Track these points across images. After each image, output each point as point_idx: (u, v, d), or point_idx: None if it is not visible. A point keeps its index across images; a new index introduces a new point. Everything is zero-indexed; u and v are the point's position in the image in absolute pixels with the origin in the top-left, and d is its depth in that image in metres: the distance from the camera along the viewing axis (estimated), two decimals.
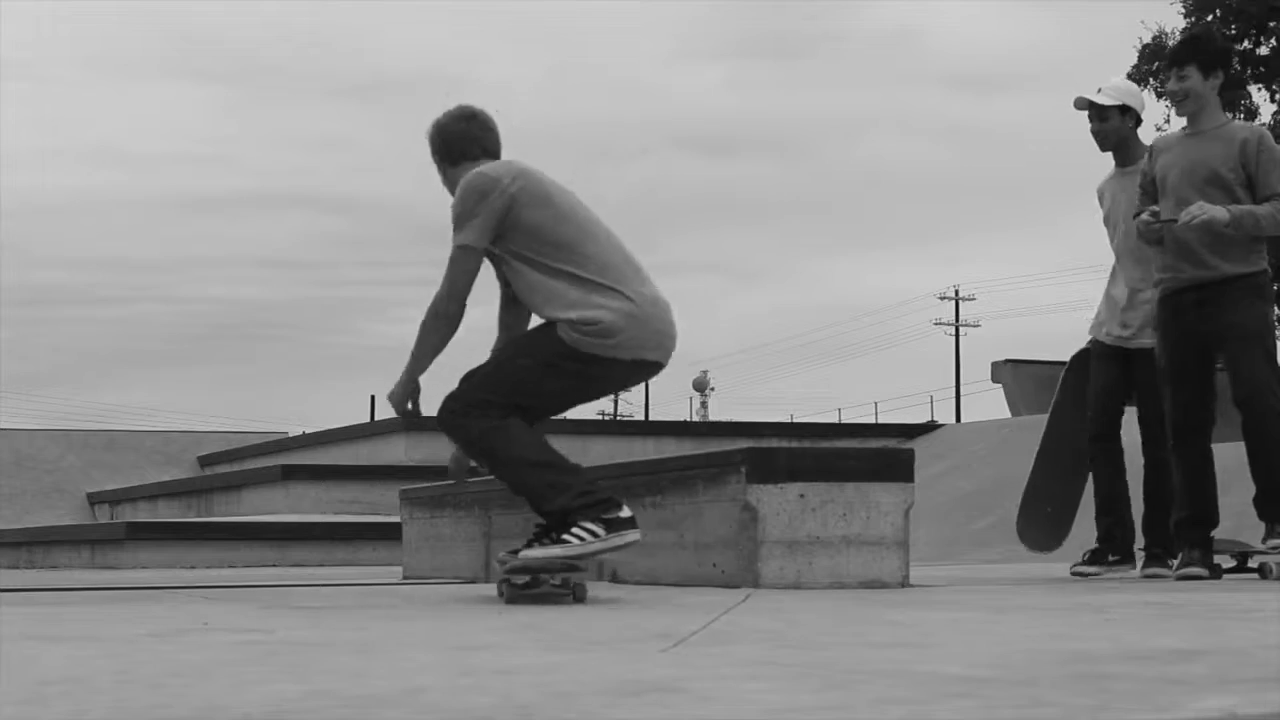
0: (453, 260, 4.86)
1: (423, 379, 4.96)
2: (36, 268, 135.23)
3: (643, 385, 73.65)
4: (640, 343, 4.84)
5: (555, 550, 4.70)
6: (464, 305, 4.91)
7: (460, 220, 4.86)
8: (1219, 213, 5.95)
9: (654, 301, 4.90)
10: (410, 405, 4.94)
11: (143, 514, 16.66)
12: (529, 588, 4.77)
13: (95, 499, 18.74)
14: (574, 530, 4.69)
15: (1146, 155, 6.37)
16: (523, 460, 4.79)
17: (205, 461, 19.48)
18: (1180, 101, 6.30)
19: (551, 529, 4.75)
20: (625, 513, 4.75)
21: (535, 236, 4.86)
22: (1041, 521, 7.11)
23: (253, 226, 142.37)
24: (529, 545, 4.78)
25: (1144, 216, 6.12)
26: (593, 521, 4.70)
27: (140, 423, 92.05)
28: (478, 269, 4.91)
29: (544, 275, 4.86)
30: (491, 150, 5.08)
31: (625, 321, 4.80)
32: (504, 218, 4.84)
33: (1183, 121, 6.39)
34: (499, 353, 5.07)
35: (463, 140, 5.08)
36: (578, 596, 4.76)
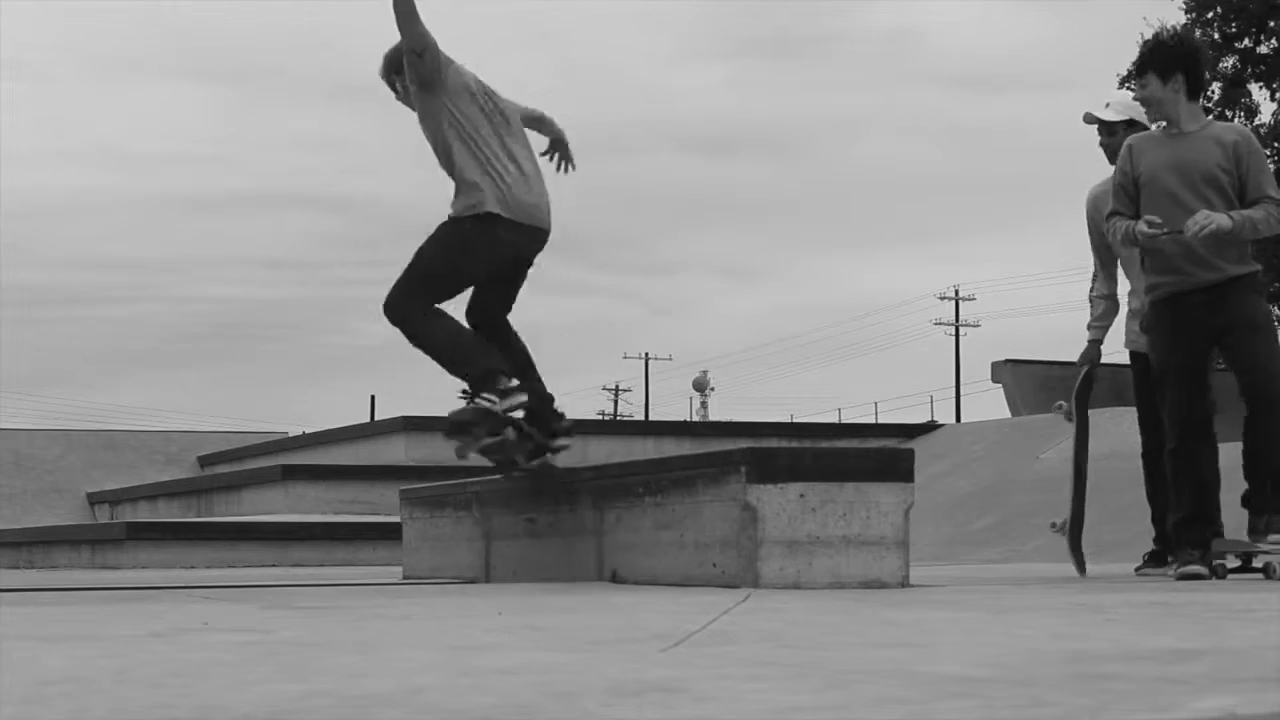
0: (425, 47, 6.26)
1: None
2: (36, 268, 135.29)
3: (643, 385, 74.25)
4: (477, 204, 6.25)
5: (469, 408, 6.22)
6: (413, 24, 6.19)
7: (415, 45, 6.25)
8: (1223, 220, 6.00)
9: (498, 185, 6.28)
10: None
11: (143, 514, 16.66)
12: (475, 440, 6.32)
13: (95, 499, 18.74)
14: (482, 396, 6.21)
15: (1126, 154, 6.36)
16: (432, 342, 6.30)
17: (205, 461, 19.48)
18: (1146, 110, 6.44)
19: (471, 386, 6.27)
20: (513, 382, 6.28)
21: (447, 104, 6.31)
22: (1078, 545, 7.15)
23: (253, 226, 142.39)
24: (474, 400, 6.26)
25: (1141, 227, 6.13)
26: (491, 393, 6.21)
27: (140, 423, 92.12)
28: (425, 31, 6.20)
29: (462, 148, 6.31)
30: None
31: (475, 186, 6.24)
32: (442, 66, 6.27)
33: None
34: (417, 253, 6.36)
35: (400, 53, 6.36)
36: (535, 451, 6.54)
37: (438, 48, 6.29)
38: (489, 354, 6.29)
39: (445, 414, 6.35)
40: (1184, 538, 6.22)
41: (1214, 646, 2.88)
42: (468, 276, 6.40)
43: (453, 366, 6.30)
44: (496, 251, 6.31)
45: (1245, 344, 6.13)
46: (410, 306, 6.28)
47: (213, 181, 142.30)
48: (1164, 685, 2.25)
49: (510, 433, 6.31)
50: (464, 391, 6.28)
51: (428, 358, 6.33)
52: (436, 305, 6.32)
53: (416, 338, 6.31)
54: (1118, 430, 14.01)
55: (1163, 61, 6.31)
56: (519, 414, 6.30)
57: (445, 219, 6.33)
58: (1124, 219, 6.28)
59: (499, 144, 6.32)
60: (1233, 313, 6.14)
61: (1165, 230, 6.08)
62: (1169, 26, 32.80)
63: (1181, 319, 6.19)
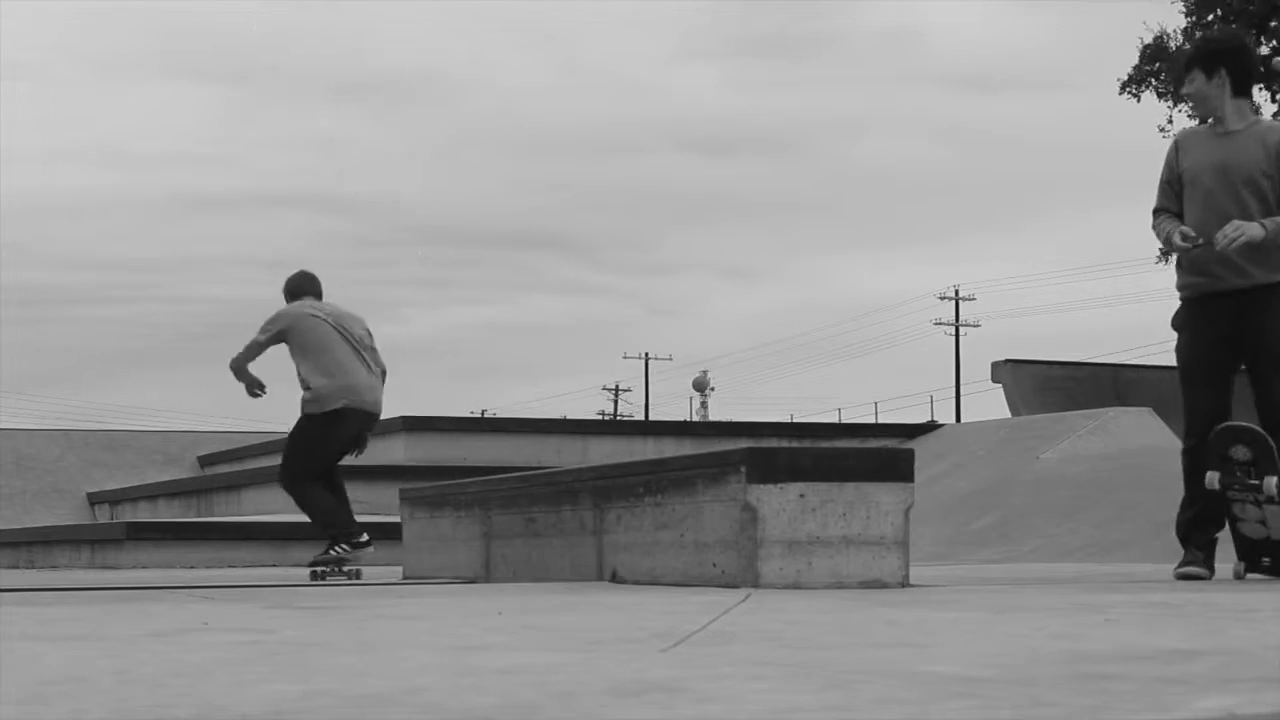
0: (253, 342, 9.06)
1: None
2: (36, 268, 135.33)
3: (643, 385, 74.54)
4: (332, 402, 8.83)
5: (329, 555, 8.67)
6: (245, 359, 9.11)
7: (263, 327, 9.09)
8: (1255, 230, 5.97)
9: (360, 385, 8.93)
10: (247, 378, 9.16)
11: (143, 514, 16.67)
12: (325, 577, 8.55)
13: (95, 499, 18.74)
14: (338, 547, 8.68)
15: (1173, 149, 6.37)
16: (310, 507, 8.94)
17: (205, 461, 19.47)
18: (1193, 106, 6.45)
19: (330, 545, 8.72)
20: (365, 538, 8.74)
21: (302, 345, 8.97)
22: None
23: (253, 226, 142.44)
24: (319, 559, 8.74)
25: (1176, 239, 6.12)
26: (347, 544, 8.68)
27: (140, 423, 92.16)
28: (262, 350, 9.07)
29: (297, 365, 9.00)
30: (314, 292, 9.26)
31: (336, 392, 8.83)
32: (279, 335, 9.03)
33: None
34: (289, 441, 9.19)
35: (292, 289, 9.31)
36: (357, 576, 8.61)
37: (272, 335, 9.02)
38: (348, 521, 8.85)
39: (310, 562, 8.82)
40: (1191, 538, 6.23)
41: (1214, 646, 2.88)
42: (326, 457, 8.98)
43: (324, 527, 8.84)
44: (343, 435, 8.94)
45: (1270, 370, 6.13)
46: (296, 486, 8.91)
47: (213, 181, 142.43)
48: (1164, 685, 2.25)
49: (353, 573, 8.72)
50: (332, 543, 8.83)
51: (308, 512, 9.07)
52: (312, 480, 8.89)
53: (303, 505, 8.99)
54: (1119, 429, 14.01)
55: (1207, 58, 6.30)
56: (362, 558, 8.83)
57: (301, 417, 8.96)
58: (1168, 216, 6.29)
59: (337, 351, 8.90)
60: (1259, 327, 6.11)
61: (1198, 243, 6.07)
62: (1167, 30, 32.85)
63: (1207, 321, 6.19)
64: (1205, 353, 6.21)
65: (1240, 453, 5.99)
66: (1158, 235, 6.34)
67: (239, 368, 9.09)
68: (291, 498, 9.12)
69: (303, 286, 9.29)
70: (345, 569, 8.73)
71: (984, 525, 11.94)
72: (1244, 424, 6.04)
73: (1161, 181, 6.37)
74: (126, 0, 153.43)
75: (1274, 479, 5.91)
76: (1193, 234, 6.09)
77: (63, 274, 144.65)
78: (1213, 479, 6.04)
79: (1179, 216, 6.27)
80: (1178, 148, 6.35)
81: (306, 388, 8.93)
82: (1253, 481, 5.97)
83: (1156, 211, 6.36)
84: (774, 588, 5.26)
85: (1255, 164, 6.11)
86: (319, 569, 8.66)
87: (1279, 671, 2.43)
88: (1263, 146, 6.14)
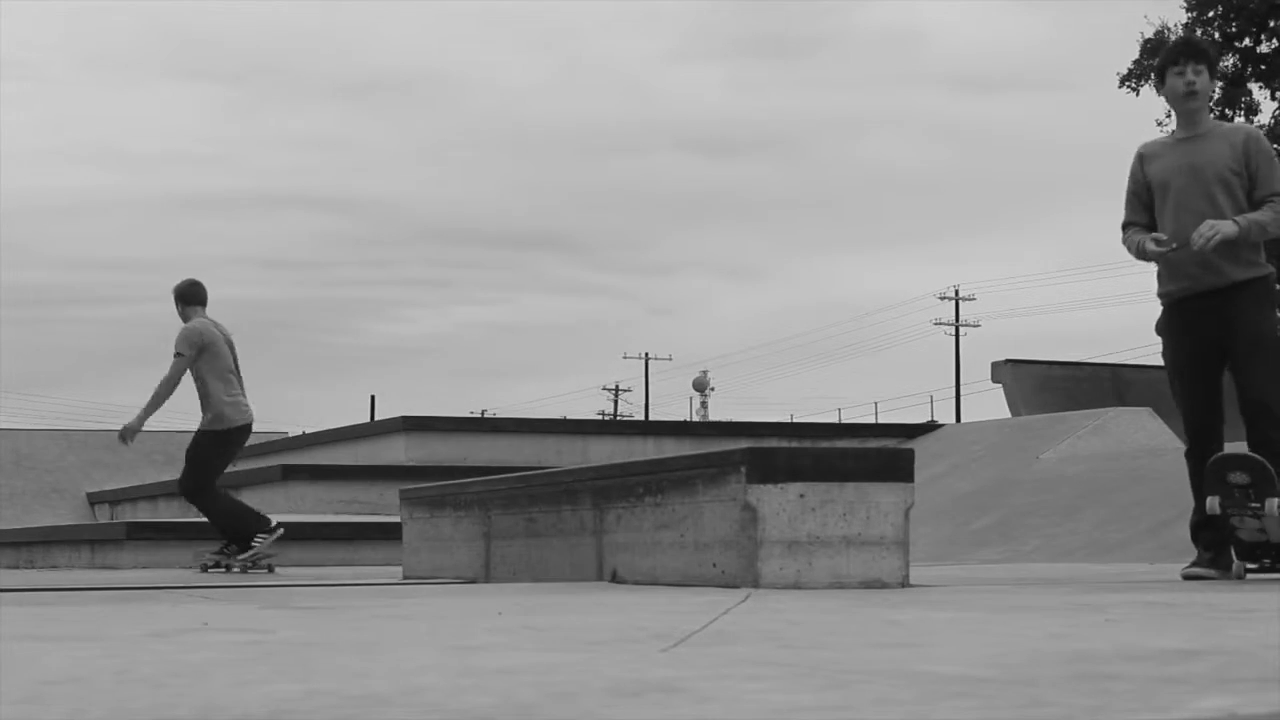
0: (174, 364, 9.84)
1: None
2: (36, 268, 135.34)
3: (643, 385, 74.94)
4: (233, 420, 9.87)
5: (248, 553, 9.71)
6: (176, 387, 9.92)
7: (180, 345, 9.85)
8: (1229, 228, 5.97)
9: (244, 401, 9.98)
10: (134, 432, 10.05)
11: (143, 514, 16.66)
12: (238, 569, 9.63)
13: (95, 499, 18.73)
14: (254, 540, 9.71)
15: (1136, 162, 6.36)
16: (222, 513, 9.88)
17: None
18: (1193, 95, 6.24)
19: (237, 542, 9.75)
20: (274, 523, 9.80)
21: (211, 364, 9.83)
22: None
23: (253, 226, 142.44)
24: (225, 552, 9.84)
25: (1150, 246, 6.12)
26: (263, 534, 9.70)
27: None
28: (185, 370, 9.81)
29: (206, 383, 9.89)
30: (204, 302, 10.06)
31: (233, 410, 9.87)
32: (201, 350, 9.78)
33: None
34: (189, 455, 10.03)
35: (190, 294, 10.06)
36: (271, 569, 9.75)
37: (196, 351, 9.82)
38: (255, 516, 9.87)
39: (241, 554, 9.74)
40: (1198, 539, 6.25)
41: (1214, 646, 2.88)
42: (223, 468, 10.06)
43: (233, 528, 9.74)
44: (235, 450, 10.04)
45: (1245, 363, 6.13)
46: (201, 497, 9.82)
47: (213, 181, 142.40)
48: (1164, 685, 2.25)
49: (265, 566, 9.75)
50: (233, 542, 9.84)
51: (218, 518, 9.92)
52: (213, 490, 9.85)
53: (207, 512, 9.85)
54: (1119, 429, 14.01)
55: (1211, 59, 6.33)
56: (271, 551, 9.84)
57: (199, 431, 9.93)
58: (1138, 229, 6.28)
59: (231, 374, 9.86)
60: (1235, 323, 6.11)
61: (1173, 246, 6.07)
62: (1168, 25, 32.89)
63: (1188, 323, 6.20)
64: (1190, 355, 6.22)
65: (1238, 478, 6.00)
66: (1129, 249, 6.30)
67: (159, 401, 9.86)
68: (196, 507, 9.94)
69: (197, 295, 10.01)
70: (263, 561, 9.68)
71: (984, 525, 11.93)
72: (1238, 453, 6.04)
73: (1128, 194, 6.36)
74: (127, 0, 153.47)
75: (1275, 500, 5.91)
76: (1165, 238, 6.10)
77: (63, 274, 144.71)
78: (1213, 504, 6.05)
79: (1149, 229, 6.26)
80: (1142, 159, 6.33)
81: (209, 406, 9.85)
82: (1253, 505, 5.98)
83: (1125, 226, 6.35)
84: (774, 588, 5.26)
85: (1224, 162, 6.13)
86: (222, 562, 9.68)
87: (1279, 671, 2.43)
88: (1229, 145, 6.18)
